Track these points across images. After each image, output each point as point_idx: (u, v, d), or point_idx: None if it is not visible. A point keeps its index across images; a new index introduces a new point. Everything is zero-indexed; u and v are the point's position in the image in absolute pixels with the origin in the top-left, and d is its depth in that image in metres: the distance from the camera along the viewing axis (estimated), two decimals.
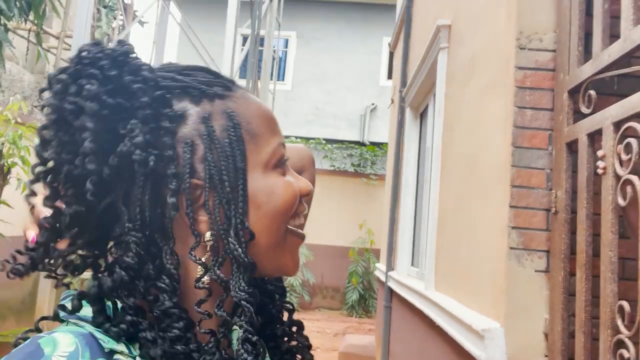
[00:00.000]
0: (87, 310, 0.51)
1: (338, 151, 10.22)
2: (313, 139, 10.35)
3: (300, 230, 0.61)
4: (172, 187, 0.52)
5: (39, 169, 0.51)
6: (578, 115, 1.58)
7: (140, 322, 0.50)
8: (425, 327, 2.89)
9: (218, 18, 6.26)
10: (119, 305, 0.52)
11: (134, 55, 0.54)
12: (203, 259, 0.54)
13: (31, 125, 4.05)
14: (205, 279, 0.53)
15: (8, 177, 3.91)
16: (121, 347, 0.49)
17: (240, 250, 0.54)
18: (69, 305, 0.51)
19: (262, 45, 6.68)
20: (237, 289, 0.53)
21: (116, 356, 0.49)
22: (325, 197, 9.48)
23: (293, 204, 0.58)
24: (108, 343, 0.48)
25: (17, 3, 3.21)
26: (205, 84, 0.57)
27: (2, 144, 3.81)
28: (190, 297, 0.53)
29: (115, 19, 8.06)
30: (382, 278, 4.99)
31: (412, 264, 4.22)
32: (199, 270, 0.54)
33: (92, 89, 0.50)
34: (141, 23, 9.76)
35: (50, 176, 0.51)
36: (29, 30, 3.86)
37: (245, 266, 0.54)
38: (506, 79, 1.87)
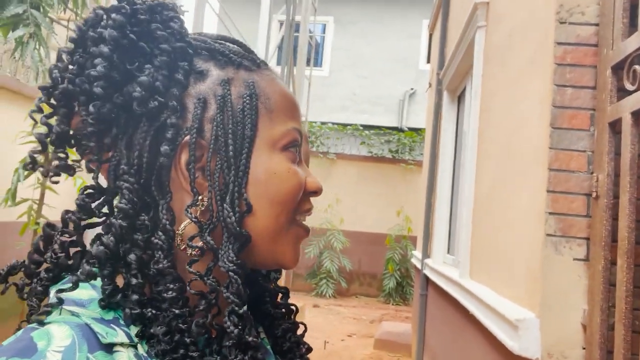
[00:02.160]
0: (81, 293, 0.48)
1: (375, 137, 10.11)
2: (350, 125, 10.27)
3: (304, 222, 0.59)
4: (168, 135, 0.51)
5: (46, 86, 0.52)
6: (622, 93, 1.47)
7: (144, 295, 0.49)
8: (459, 316, 2.82)
9: (254, 4, 6.25)
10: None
11: (171, 12, 0.54)
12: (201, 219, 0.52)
13: None
14: (196, 241, 0.52)
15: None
16: (121, 336, 0.47)
17: (233, 218, 0.52)
18: (81, 277, 0.48)
19: (297, 31, 6.64)
20: (225, 259, 0.51)
21: (116, 348, 0.46)
22: (363, 183, 9.42)
23: (295, 193, 0.55)
24: (107, 336, 0.46)
25: None
26: (235, 53, 0.57)
27: None
28: (180, 259, 0.52)
29: None
30: (419, 265, 4.91)
31: (448, 252, 4.13)
32: (190, 229, 0.52)
33: (118, 18, 0.50)
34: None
35: (56, 93, 0.51)
36: (68, 20, 3.96)
37: (236, 236, 0.52)
38: (545, 56, 1.77)
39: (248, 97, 0.54)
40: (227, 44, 0.58)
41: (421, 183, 6.04)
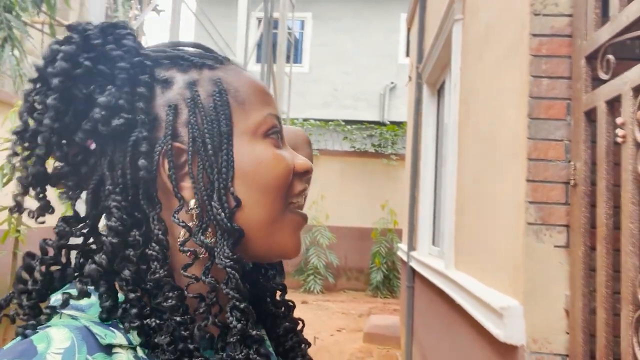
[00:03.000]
0: (81, 300, 0.49)
1: (358, 132, 10.13)
2: (332, 120, 10.27)
3: (299, 207, 0.59)
4: (142, 149, 0.51)
5: (17, 129, 0.52)
6: (597, 82, 1.50)
7: (144, 307, 0.49)
8: (446, 306, 2.86)
9: (232, 2, 6.22)
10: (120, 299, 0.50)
11: (123, 30, 0.55)
12: (190, 225, 0.53)
13: None
14: (190, 244, 0.52)
15: None
16: (119, 338, 0.47)
17: (222, 214, 0.52)
18: (73, 292, 0.49)
19: (276, 28, 6.62)
20: (221, 256, 0.52)
21: (115, 350, 0.46)
22: (346, 178, 9.45)
23: (284, 177, 0.55)
24: (106, 337, 0.46)
25: None
26: (195, 55, 0.57)
27: None
28: (176, 264, 0.52)
29: (131, 8, 8.10)
30: (405, 258, 4.95)
31: (433, 243, 4.18)
32: (184, 234, 0.52)
33: (67, 49, 0.51)
34: (157, 12, 9.80)
35: (27, 135, 0.51)
36: (43, 23, 3.91)
37: (229, 232, 0.53)
38: (521, 48, 1.79)
39: (217, 94, 0.55)
40: (185, 48, 0.59)
41: (405, 176, 6.08)
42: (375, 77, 10.98)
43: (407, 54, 8.17)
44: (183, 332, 0.48)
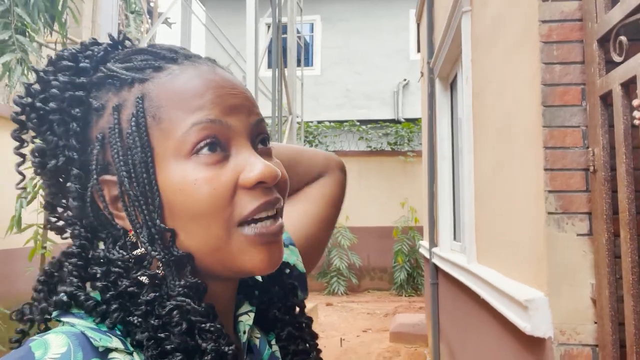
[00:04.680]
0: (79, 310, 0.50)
1: (373, 131, 10.10)
2: (347, 121, 10.26)
3: (263, 224, 0.51)
4: (72, 189, 0.52)
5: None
6: (610, 65, 1.47)
7: (128, 307, 0.49)
8: (471, 301, 2.82)
9: (240, 10, 6.27)
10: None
11: (61, 61, 0.54)
12: (137, 252, 0.52)
13: None
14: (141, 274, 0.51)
15: None
16: (116, 343, 0.47)
17: (152, 250, 0.50)
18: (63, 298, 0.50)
19: (285, 32, 6.64)
20: (171, 286, 0.50)
21: (111, 354, 0.47)
22: (364, 178, 9.42)
23: (210, 203, 0.49)
24: (101, 341, 0.47)
25: (41, 16, 3.30)
26: (134, 68, 0.53)
27: None
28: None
29: (142, 22, 8.21)
30: (427, 255, 4.91)
31: (455, 239, 4.13)
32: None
33: (23, 102, 0.54)
34: (168, 24, 9.91)
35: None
36: (56, 42, 4.00)
37: (170, 263, 0.50)
38: (531, 35, 1.77)
39: (134, 118, 0.50)
40: (136, 57, 0.55)
41: (422, 173, 6.04)
42: (387, 75, 10.94)
43: (418, 50, 8.11)
44: (160, 334, 0.48)
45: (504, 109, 2.19)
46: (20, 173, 0.57)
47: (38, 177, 0.57)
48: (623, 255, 1.38)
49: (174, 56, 0.55)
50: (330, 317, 7.08)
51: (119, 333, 0.49)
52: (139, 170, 0.50)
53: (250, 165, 0.51)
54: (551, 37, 1.66)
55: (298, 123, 8.05)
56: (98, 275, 0.51)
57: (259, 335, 0.61)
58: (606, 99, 1.49)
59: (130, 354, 0.48)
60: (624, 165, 1.37)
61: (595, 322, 1.56)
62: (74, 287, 0.50)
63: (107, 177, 0.52)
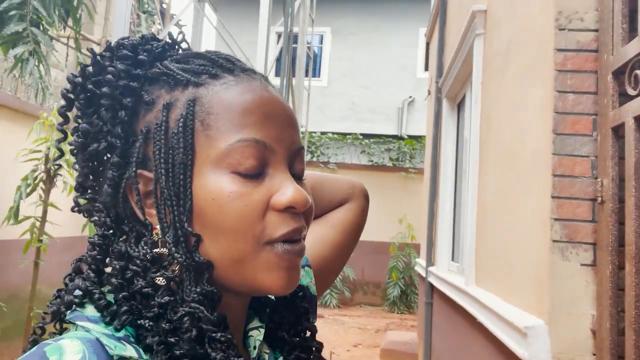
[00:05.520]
0: (94, 310, 0.49)
1: (376, 146, 10.12)
2: (350, 134, 10.29)
3: (287, 247, 0.51)
4: (109, 175, 0.52)
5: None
6: (624, 98, 1.48)
7: (139, 310, 0.49)
8: (466, 324, 2.81)
9: (252, 17, 6.30)
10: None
11: (120, 49, 0.55)
12: (156, 251, 0.51)
13: None
14: (159, 275, 0.51)
15: (55, 181, 4.04)
16: (130, 351, 0.47)
17: (176, 251, 0.50)
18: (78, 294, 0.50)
19: (295, 42, 6.68)
20: (187, 290, 0.50)
21: None
22: None
23: (240, 219, 0.49)
24: (115, 349, 0.46)
25: (57, 10, 3.31)
26: (190, 71, 0.54)
27: (48, 148, 3.94)
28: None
29: (154, 23, 8.25)
30: (423, 273, 4.90)
31: (452, 259, 4.12)
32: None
33: (74, 80, 0.54)
34: (179, 26, 9.98)
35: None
36: (68, 37, 4.01)
37: (189, 267, 0.50)
38: (545, 63, 1.78)
39: (183, 119, 0.51)
40: (194, 60, 0.55)
41: (423, 190, 6.04)
42: (393, 91, 10.99)
43: (426, 68, 8.17)
44: (170, 339, 0.48)
45: (513, 133, 2.20)
46: (59, 149, 0.58)
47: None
48: (627, 288, 1.38)
49: (231, 67, 0.55)
50: (321, 329, 7.02)
51: (132, 340, 0.48)
52: (177, 171, 0.50)
53: (284, 188, 0.51)
54: (566, 65, 1.67)
55: (302, 133, 8.06)
56: (115, 272, 0.50)
57: (267, 351, 0.61)
58: (618, 131, 1.50)
59: None
60: (632, 198, 1.37)
61: (594, 354, 1.55)
62: (89, 282, 0.50)
63: (144, 172, 0.52)
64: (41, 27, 3.18)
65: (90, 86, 0.53)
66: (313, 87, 9.64)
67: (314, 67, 10.95)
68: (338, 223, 0.80)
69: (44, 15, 3.11)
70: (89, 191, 0.56)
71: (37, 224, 3.92)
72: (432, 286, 4.42)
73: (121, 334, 0.48)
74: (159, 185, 0.51)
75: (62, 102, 0.55)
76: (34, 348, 0.45)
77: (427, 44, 6.15)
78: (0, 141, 4.50)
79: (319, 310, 8.85)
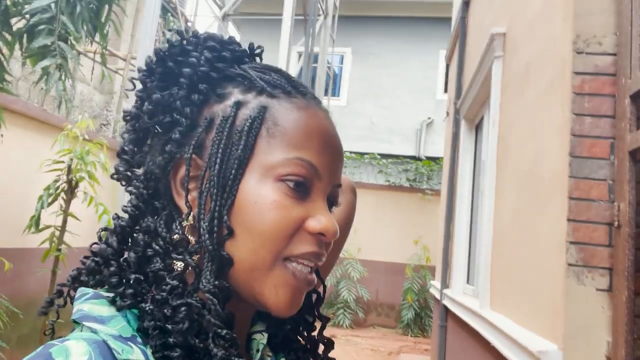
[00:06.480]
0: (102, 310, 0.50)
1: (393, 166, 10.09)
2: (368, 153, 10.29)
3: (302, 269, 0.53)
4: (167, 149, 0.54)
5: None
6: None
7: (143, 292, 0.50)
8: (481, 348, 2.76)
9: (274, 36, 6.41)
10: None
11: (213, 43, 0.58)
12: (177, 237, 0.53)
13: (98, 142, 4.25)
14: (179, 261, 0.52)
15: (76, 191, 4.11)
16: (137, 354, 0.47)
17: (208, 240, 0.51)
18: (83, 272, 0.53)
19: (316, 62, 6.76)
20: (204, 279, 0.51)
21: None
22: (380, 212, 9.38)
23: (275, 228, 0.51)
24: (123, 353, 0.46)
25: (84, 26, 3.41)
26: (268, 81, 0.57)
27: (71, 159, 4.03)
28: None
29: None
30: (437, 296, 4.83)
31: (468, 282, 4.07)
32: (192, 242, 0.53)
33: (159, 54, 0.57)
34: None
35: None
36: (95, 52, 4.13)
37: (213, 258, 0.51)
38: (563, 85, 1.78)
39: (250, 119, 0.54)
40: (271, 73, 0.59)
41: (439, 212, 5.99)
42: (412, 112, 10.99)
43: (445, 90, 8.20)
44: (169, 325, 0.49)
45: (530, 155, 2.19)
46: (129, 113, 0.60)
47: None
48: None
49: (304, 91, 0.59)
50: (334, 350, 6.93)
51: (139, 341, 0.49)
52: (230, 165, 0.53)
53: (320, 215, 0.54)
54: (583, 88, 1.67)
55: None
56: (137, 246, 0.52)
57: (270, 354, 0.62)
58: (635, 155, 1.48)
59: None
60: None
61: None
62: (111, 251, 0.52)
63: (197, 157, 0.54)
64: (69, 42, 3.28)
65: (170, 63, 0.57)
66: (332, 106, 9.71)
67: (333, 86, 11.04)
68: None
69: (72, 30, 3.21)
70: (133, 159, 0.58)
71: (57, 233, 3.99)
72: (446, 309, 4.36)
73: (129, 334, 0.49)
74: (210, 172, 0.53)
75: (143, 70, 0.59)
76: (40, 348, 0.46)
77: (447, 66, 6.17)
78: (25, 151, 4.61)
79: (332, 330, 8.74)
